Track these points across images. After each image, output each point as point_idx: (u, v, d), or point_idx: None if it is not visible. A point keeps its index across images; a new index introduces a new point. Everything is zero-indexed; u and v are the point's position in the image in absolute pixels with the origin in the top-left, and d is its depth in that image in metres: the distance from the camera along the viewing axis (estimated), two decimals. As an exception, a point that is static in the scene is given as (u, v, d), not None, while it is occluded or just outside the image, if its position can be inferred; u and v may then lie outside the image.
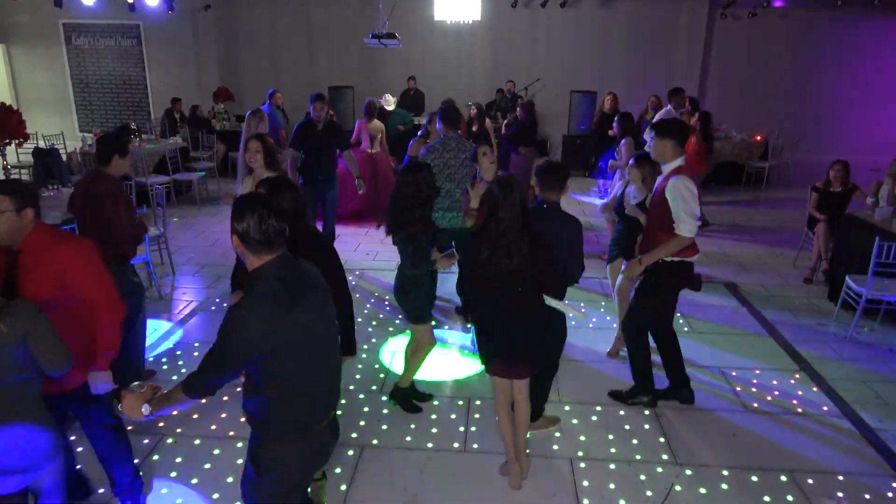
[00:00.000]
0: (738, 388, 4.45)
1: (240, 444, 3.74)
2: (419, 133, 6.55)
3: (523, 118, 8.07)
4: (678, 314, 5.60)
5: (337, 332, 2.44)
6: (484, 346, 3.36)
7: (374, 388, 4.41)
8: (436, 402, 4.18)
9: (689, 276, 3.97)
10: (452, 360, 4.82)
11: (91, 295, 2.68)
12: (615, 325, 5.17)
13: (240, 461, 3.59)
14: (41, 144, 9.49)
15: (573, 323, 5.24)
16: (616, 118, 7.02)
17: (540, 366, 3.76)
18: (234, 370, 2.15)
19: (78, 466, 3.30)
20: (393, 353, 4.88)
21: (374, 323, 5.43)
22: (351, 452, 3.68)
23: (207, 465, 3.56)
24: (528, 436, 3.81)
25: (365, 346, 4.97)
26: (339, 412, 2.54)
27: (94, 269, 2.71)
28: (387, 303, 5.85)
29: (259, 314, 2.07)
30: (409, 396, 4.16)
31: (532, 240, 3.13)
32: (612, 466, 3.61)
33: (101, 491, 3.33)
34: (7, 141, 7.71)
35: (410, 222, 3.65)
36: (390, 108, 10.11)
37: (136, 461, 3.39)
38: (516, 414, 3.44)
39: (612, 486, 3.45)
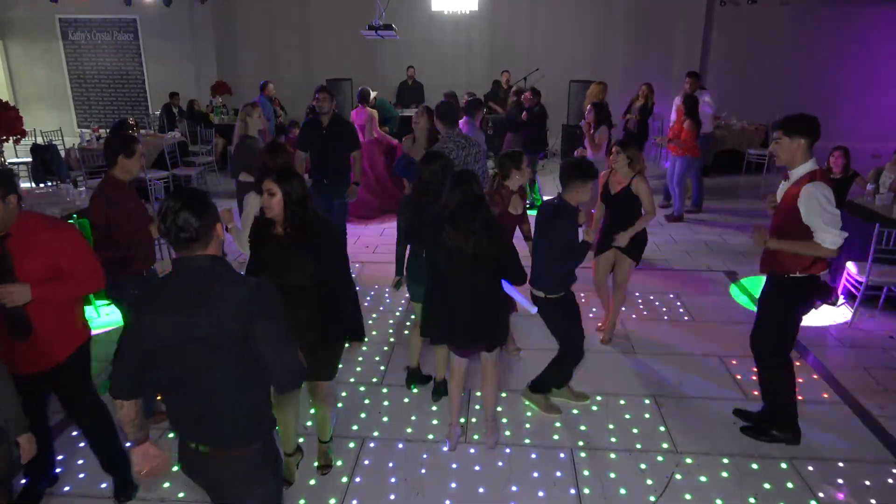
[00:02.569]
0: (739, 377, 4.45)
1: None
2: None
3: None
4: (678, 303, 5.62)
5: (232, 366, 2.05)
6: (441, 324, 3.45)
7: (374, 380, 4.41)
8: (414, 387, 4.28)
9: (819, 292, 3.50)
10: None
11: (81, 272, 2.87)
12: (591, 315, 5.36)
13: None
14: (39, 141, 9.49)
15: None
16: (589, 107, 7.00)
17: (560, 353, 3.89)
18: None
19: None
20: (393, 345, 4.89)
21: (374, 315, 5.43)
22: (352, 444, 3.69)
23: (209, 459, 3.57)
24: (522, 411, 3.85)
25: (366, 339, 4.96)
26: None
27: (84, 248, 2.92)
28: (387, 295, 5.85)
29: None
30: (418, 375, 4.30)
31: (489, 227, 3.24)
32: (613, 455, 3.62)
33: (103, 486, 3.35)
34: (4, 137, 7.71)
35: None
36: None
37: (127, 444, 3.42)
38: (484, 384, 3.68)
39: (612, 474, 3.46)
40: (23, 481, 3.34)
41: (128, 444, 2.42)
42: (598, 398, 4.19)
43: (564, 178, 3.62)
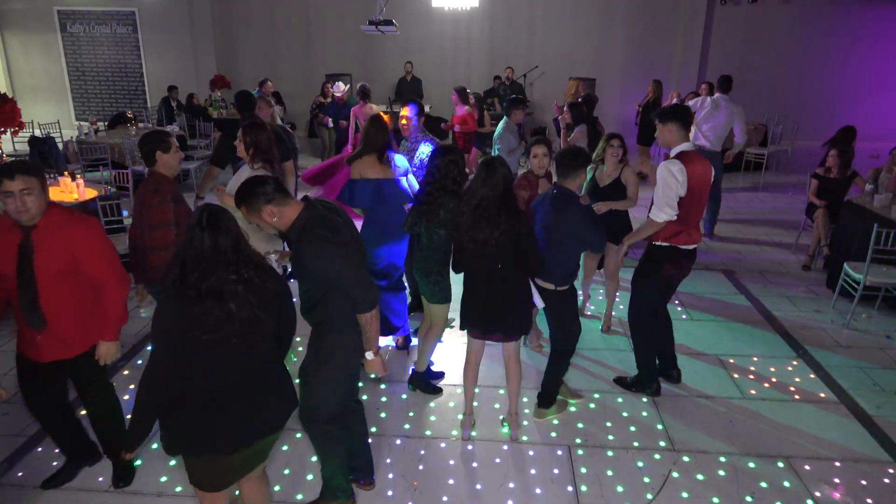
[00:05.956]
0: (736, 375, 4.46)
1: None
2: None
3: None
4: (676, 301, 5.62)
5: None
6: (464, 310, 3.56)
7: (371, 376, 4.39)
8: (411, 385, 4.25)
9: (679, 263, 3.89)
10: (449, 347, 4.81)
11: (100, 271, 2.90)
12: (588, 313, 5.39)
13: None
14: (37, 133, 9.46)
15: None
16: (566, 106, 6.96)
17: (553, 351, 3.90)
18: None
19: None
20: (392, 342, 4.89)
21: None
22: (349, 440, 3.69)
23: (206, 454, 3.57)
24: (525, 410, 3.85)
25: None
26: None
27: (104, 247, 2.93)
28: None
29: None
30: (426, 380, 4.21)
31: (510, 218, 3.26)
32: (610, 453, 3.63)
33: (100, 479, 3.34)
34: (2, 129, 7.68)
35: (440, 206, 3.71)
36: (339, 94, 9.34)
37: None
38: (508, 378, 3.70)
39: (609, 472, 3.46)
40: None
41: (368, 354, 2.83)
42: (596, 396, 4.19)
43: (571, 167, 3.62)
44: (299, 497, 3.24)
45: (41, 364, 2.97)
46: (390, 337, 4.64)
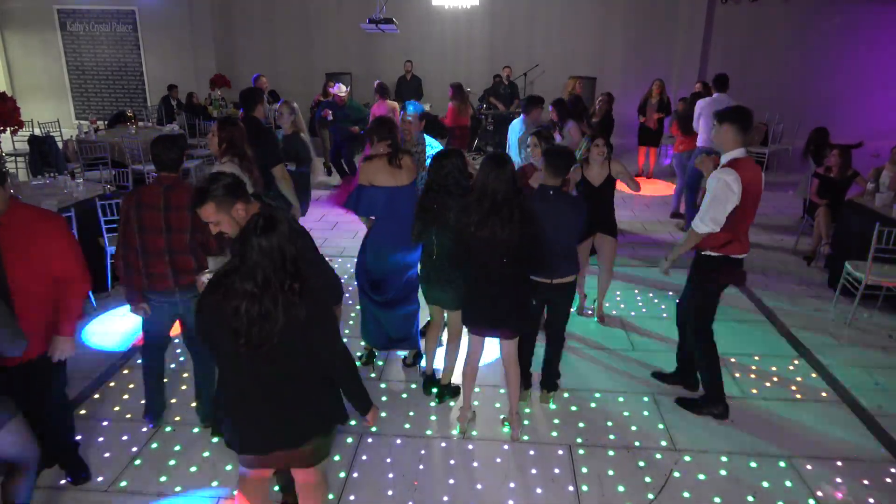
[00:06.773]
0: (737, 375, 4.45)
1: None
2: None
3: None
4: (677, 301, 5.61)
5: None
6: (468, 308, 3.55)
7: (371, 375, 4.40)
8: (434, 390, 4.18)
9: (732, 272, 3.74)
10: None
11: (69, 266, 2.91)
12: (589, 312, 5.39)
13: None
14: (37, 132, 9.45)
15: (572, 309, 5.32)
16: (551, 106, 6.89)
17: (549, 337, 4.02)
18: None
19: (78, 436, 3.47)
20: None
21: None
22: (350, 440, 3.68)
23: (206, 454, 3.56)
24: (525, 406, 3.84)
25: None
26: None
27: (71, 242, 2.95)
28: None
29: None
30: (449, 386, 4.15)
31: (522, 215, 3.27)
32: (611, 453, 3.61)
33: (100, 479, 3.34)
34: (2, 128, 7.68)
35: (427, 208, 3.66)
36: (342, 94, 9.06)
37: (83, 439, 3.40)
38: (508, 380, 3.72)
39: (610, 472, 3.45)
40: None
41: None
42: (597, 395, 4.18)
43: (563, 168, 3.66)
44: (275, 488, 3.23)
45: (11, 367, 2.82)
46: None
